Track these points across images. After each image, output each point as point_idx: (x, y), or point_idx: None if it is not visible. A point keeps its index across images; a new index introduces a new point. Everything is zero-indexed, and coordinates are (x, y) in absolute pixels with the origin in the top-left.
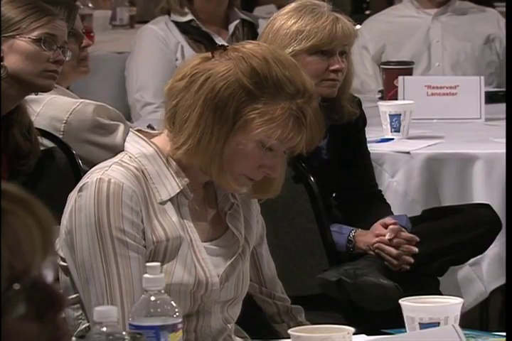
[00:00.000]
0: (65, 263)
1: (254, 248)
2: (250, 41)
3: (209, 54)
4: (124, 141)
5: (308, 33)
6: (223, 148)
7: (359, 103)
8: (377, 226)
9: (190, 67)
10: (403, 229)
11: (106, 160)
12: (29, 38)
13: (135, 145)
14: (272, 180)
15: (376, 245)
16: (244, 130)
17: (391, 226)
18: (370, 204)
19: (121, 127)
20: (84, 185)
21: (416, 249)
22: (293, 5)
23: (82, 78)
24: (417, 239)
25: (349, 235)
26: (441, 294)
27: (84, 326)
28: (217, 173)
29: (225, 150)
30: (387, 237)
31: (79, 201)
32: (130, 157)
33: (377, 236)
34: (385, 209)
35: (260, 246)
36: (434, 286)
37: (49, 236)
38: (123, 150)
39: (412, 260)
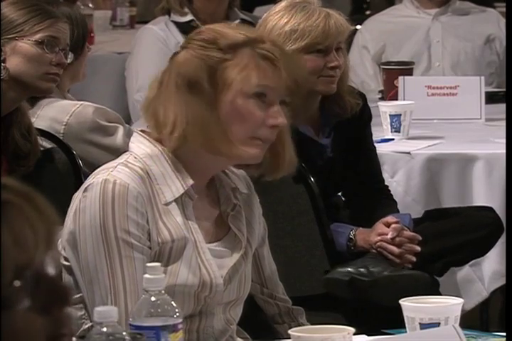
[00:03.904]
0: (67, 263)
1: (256, 249)
2: None
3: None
4: (124, 142)
5: (302, 31)
6: (217, 114)
7: (362, 96)
8: (379, 225)
9: (156, 79)
10: (405, 228)
11: (106, 161)
12: (32, 40)
13: (140, 146)
14: (280, 154)
15: (378, 244)
16: (226, 87)
17: (393, 225)
18: (376, 201)
19: (121, 129)
20: (89, 185)
21: (418, 248)
22: (283, 4)
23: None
24: (420, 237)
25: (349, 234)
26: (440, 294)
27: (87, 326)
28: (225, 144)
29: (220, 116)
30: (389, 236)
31: (83, 201)
32: (135, 157)
33: (379, 234)
34: (391, 207)
35: (262, 247)
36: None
37: (52, 229)
38: (125, 151)
39: (414, 259)
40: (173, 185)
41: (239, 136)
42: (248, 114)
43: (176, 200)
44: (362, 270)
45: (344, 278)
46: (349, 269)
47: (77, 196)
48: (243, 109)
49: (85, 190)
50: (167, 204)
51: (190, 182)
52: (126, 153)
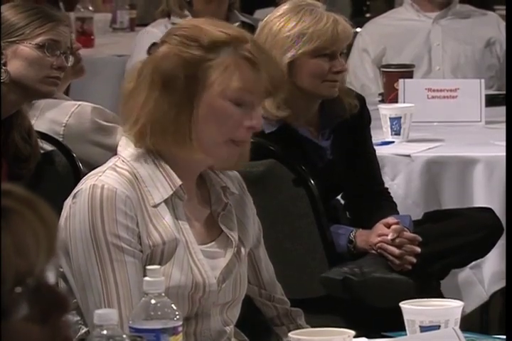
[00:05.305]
0: (61, 269)
1: (252, 250)
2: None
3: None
4: None
5: (311, 35)
6: (187, 115)
7: (361, 98)
8: (379, 226)
9: (135, 71)
10: (406, 229)
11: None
12: (33, 43)
13: (127, 149)
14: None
15: (379, 245)
16: (206, 88)
17: (394, 226)
18: (376, 203)
19: (120, 129)
20: (78, 191)
21: (418, 249)
22: (287, 6)
23: (77, 78)
24: (420, 238)
25: (349, 235)
26: (442, 295)
27: (83, 331)
28: (185, 149)
29: (196, 116)
30: (389, 237)
31: (73, 207)
32: (123, 161)
33: (379, 235)
34: (391, 209)
35: (257, 248)
36: (435, 288)
37: (53, 236)
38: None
39: (414, 260)
40: (162, 187)
41: (215, 137)
42: (227, 116)
43: (165, 201)
44: (356, 270)
45: (337, 277)
46: (345, 268)
47: (68, 202)
48: (222, 111)
49: (74, 196)
50: (156, 206)
51: (179, 182)
52: (115, 156)
